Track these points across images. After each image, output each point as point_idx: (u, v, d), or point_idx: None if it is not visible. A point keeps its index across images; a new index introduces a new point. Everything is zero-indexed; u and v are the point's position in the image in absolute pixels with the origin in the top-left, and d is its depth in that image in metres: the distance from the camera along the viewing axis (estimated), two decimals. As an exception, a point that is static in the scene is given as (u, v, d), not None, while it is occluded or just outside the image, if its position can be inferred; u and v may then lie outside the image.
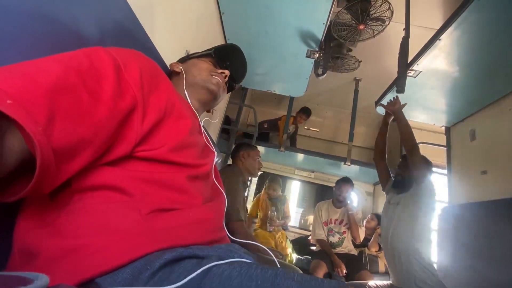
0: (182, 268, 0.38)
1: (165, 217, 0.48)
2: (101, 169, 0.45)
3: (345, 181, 2.47)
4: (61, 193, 0.43)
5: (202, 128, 0.72)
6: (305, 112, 3.40)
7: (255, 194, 3.44)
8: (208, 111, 0.86)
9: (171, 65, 0.81)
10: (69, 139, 0.36)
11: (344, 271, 2.15)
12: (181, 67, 0.77)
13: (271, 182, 2.81)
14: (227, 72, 0.79)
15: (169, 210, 0.49)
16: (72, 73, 0.38)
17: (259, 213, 2.86)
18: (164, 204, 0.49)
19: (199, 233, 0.51)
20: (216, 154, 0.72)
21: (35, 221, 0.42)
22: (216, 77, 0.77)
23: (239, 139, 2.75)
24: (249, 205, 3.26)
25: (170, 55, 0.98)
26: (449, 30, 1.23)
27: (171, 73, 0.81)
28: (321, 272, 2.19)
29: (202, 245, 0.48)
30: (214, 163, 0.70)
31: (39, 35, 0.49)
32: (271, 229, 2.64)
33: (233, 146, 2.35)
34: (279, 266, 0.48)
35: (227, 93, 0.89)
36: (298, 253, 2.76)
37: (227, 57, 0.84)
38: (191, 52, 1.11)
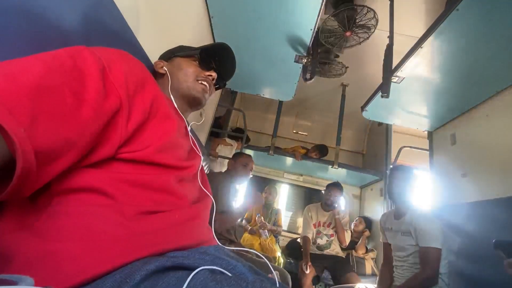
0: (165, 284, 0.36)
1: (151, 219, 0.47)
2: (83, 171, 0.43)
3: (335, 185, 2.52)
4: (41, 195, 0.42)
5: (189, 131, 0.71)
6: (322, 151, 3.03)
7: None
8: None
9: (155, 63, 0.77)
10: (52, 140, 0.35)
11: (309, 268, 2.18)
12: (165, 68, 0.74)
13: (270, 188, 3.11)
14: (214, 75, 0.75)
15: (155, 212, 0.48)
16: (56, 74, 0.37)
17: (253, 216, 2.89)
18: (150, 207, 0.48)
19: (187, 235, 0.50)
20: (202, 158, 0.71)
21: (13, 223, 0.40)
22: (202, 82, 0.73)
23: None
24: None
25: (157, 56, 0.97)
26: (430, 38, 1.28)
27: (156, 73, 0.76)
28: (310, 275, 2.20)
29: (189, 250, 0.47)
30: (200, 167, 0.69)
31: (23, 33, 0.48)
32: (266, 234, 2.65)
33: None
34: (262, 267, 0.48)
35: (216, 90, 0.86)
36: (292, 256, 2.76)
37: (215, 56, 0.80)
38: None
